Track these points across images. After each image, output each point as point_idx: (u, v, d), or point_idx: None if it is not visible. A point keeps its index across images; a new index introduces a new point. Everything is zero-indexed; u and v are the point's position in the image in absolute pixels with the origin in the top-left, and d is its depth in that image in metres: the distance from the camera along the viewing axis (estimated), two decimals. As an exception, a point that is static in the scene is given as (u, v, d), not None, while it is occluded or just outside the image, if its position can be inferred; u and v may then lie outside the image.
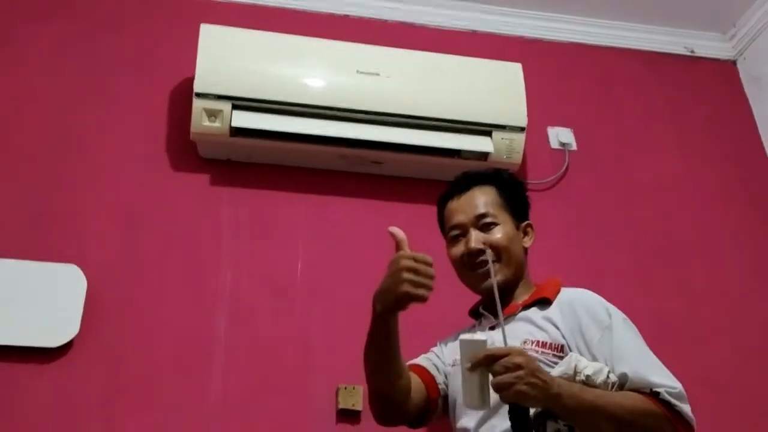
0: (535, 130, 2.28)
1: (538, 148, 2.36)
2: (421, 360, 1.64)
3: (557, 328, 1.47)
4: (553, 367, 1.39)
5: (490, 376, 1.26)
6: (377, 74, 2.10)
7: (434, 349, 1.68)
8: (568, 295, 1.55)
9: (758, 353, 2.17)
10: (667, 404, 1.35)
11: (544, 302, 1.54)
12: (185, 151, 2.12)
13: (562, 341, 1.45)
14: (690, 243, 2.32)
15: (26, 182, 2.01)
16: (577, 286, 1.56)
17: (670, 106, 2.56)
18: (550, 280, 1.62)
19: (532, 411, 1.31)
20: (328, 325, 1.97)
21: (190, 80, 2.04)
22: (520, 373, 1.24)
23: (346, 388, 1.86)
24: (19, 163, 2.03)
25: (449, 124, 2.10)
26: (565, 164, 2.36)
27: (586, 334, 1.44)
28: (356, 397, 1.85)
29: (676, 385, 1.38)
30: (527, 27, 2.59)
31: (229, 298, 1.97)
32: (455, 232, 1.62)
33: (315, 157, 2.14)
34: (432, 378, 1.60)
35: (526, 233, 1.66)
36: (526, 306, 1.56)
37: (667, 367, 1.42)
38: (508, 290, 1.58)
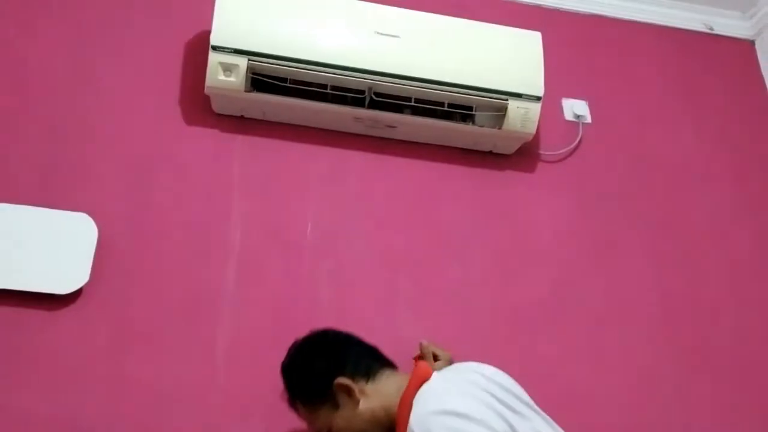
0: (549, 100, 2.26)
1: (552, 119, 2.34)
2: None
3: None
4: None
5: None
6: (396, 36, 2.08)
7: None
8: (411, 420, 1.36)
9: (763, 332, 2.18)
10: None
11: None
12: (199, 105, 2.11)
13: None
14: (700, 220, 2.32)
15: (39, 130, 2.00)
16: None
17: (686, 82, 2.54)
18: (403, 399, 1.43)
19: None
20: (336, 283, 1.97)
21: (207, 33, 2.01)
22: None
23: (351, 348, 1.86)
24: (32, 110, 2.02)
25: (466, 90, 2.08)
26: (579, 137, 2.35)
27: None
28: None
29: None
30: (547, -5, 2.56)
31: (238, 252, 1.97)
32: None
33: (329, 117, 2.13)
34: None
35: (345, 392, 1.49)
36: None
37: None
38: None
